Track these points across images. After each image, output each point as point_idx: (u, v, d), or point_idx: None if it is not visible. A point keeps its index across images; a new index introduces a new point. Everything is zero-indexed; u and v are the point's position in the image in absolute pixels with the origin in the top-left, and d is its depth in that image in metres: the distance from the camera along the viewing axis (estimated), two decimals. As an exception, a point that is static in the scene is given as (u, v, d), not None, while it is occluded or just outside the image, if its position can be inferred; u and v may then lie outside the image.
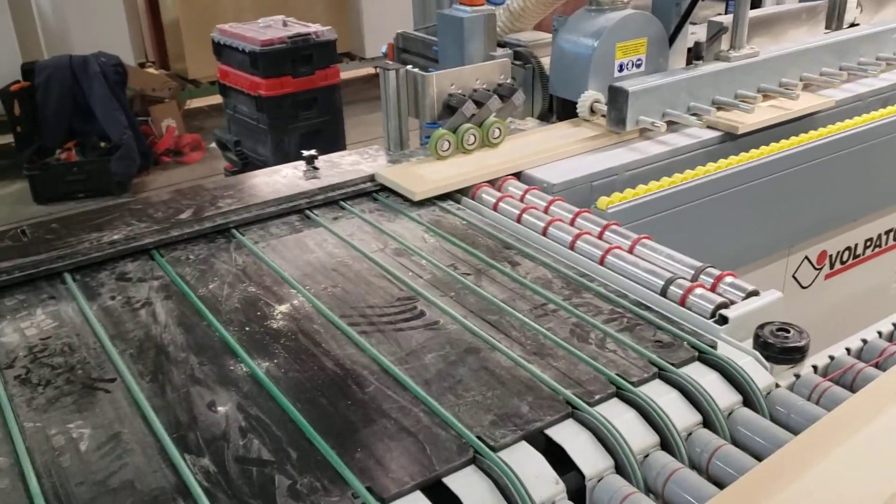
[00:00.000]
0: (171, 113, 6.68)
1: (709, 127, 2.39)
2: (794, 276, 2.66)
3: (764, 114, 2.45)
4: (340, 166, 2.21)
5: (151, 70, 7.33)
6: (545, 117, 2.61)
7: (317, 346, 1.45)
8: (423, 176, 2.09)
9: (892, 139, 2.64)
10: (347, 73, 7.22)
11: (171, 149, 6.48)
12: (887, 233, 2.92)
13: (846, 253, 2.80)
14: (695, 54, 2.50)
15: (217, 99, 7.04)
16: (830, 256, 2.75)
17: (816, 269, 2.72)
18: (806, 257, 2.67)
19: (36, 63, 6.00)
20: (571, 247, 1.76)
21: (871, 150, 2.60)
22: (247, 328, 1.51)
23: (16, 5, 6.25)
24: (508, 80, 2.34)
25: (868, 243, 2.86)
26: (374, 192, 2.11)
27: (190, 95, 7.20)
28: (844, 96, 2.68)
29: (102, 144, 5.92)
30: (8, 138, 6.11)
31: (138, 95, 6.62)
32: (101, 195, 5.72)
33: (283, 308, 1.58)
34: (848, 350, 1.45)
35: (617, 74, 2.42)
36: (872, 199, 2.77)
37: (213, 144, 6.18)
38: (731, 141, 2.37)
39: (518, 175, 2.14)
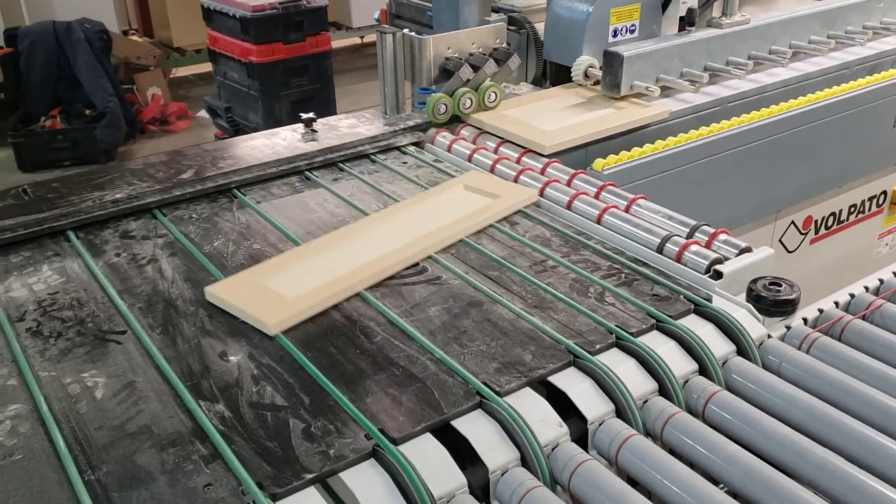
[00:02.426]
0: (157, 81, 6.63)
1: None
2: (780, 241, 2.72)
3: (594, 126, 2.18)
4: (338, 129, 2.23)
5: (135, 38, 7.25)
6: (539, 82, 2.64)
7: (323, 299, 1.48)
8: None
9: (876, 106, 2.70)
10: (335, 42, 7.17)
11: (157, 117, 6.44)
12: (870, 199, 2.98)
13: (831, 218, 2.87)
14: (687, 21, 2.53)
15: (203, 68, 7.01)
16: (816, 222, 2.81)
17: (802, 233, 2.78)
18: (792, 222, 2.73)
19: (19, 29, 5.92)
20: (569, 207, 1.80)
21: (857, 118, 2.65)
22: (254, 283, 1.54)
23: (-3, -30, 6.16)
24: (504, 45, 2.36)
25: (852, 209, 2.92)
26: (371, 154, 2.14)
27: (175, 64, 7.14)
28: (832, 64, 2.72)
29: (87, 112, 5.87)
30: (-9, 105, 6.05)
31: (122, 63, 6.56)
32: (86, 163, 5.68)
33: (289, 264, 1.61)
34: (836, 303, 1.50)
35: (611, 40, 2.45)
36: (857, 165, 2.83)
37: (201, 113, 6.16)
38: (723, 106, 2.42)
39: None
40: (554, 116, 2.29)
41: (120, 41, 6.57)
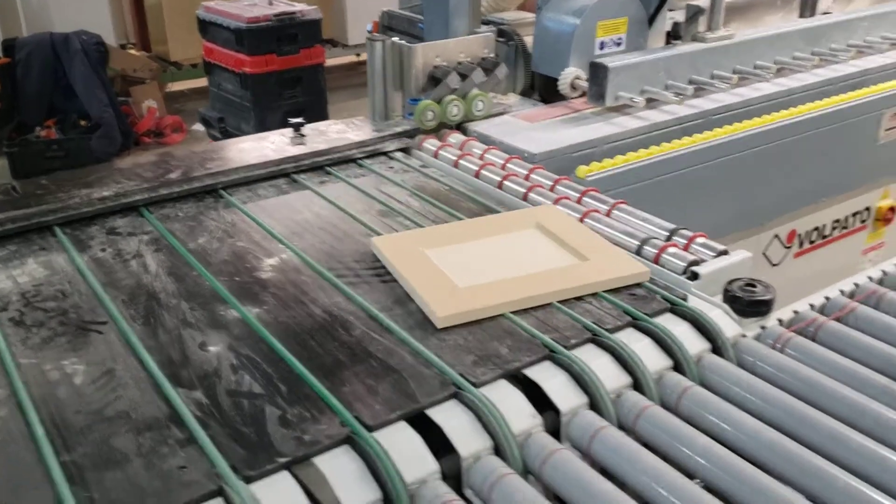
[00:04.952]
0: (152, 94, 6.66)
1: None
2: (764, 254, 2.75)
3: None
4: (327, 134, 2.25)
5: (132, 51, 7.30)
6: (527, 94, 2.68)
7: (305, 294, 1.50)
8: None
9: (860, 122, 2.74)
10: (330, 60, 7.23)
11: (151, 130, 6.47)
12: (854, 215, 3.01)
13: (815, 233, 2.90)
14: (673, 35, 2.57)
15: (198, 82, 7.05)
16: (800, 235, 2.84)
17: (786, 247, 2.81)
18: (776, 236, 2.76)
19: (16, 39, 5.97)
20: (551, 210, 1.82)
21: (840, 132, 2.69)
22: (236, 278, 1.56)
23: (-5, -19, 6.21)
24: (492, 55, 2.39)
25: (836, 224, 2.96)
26: (359, 158, 2.16)
27: (171, 78, 7.18)
28: (815, 80, 2.76)
29: (83, 122, 5.91)
30: (-13, 115, 6.07)
31: (119, 76, 6.60)
32: (80, 173, 5.69)
33: (272, 261, 1.63)
34: (812, 305, 1.52)
35: (598, 52, 2.49)
36: (841, 180, 2.86)
37: (196, 126, 6.19)
38: (707, 119, 2.45)
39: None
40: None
41: (117, 54, 6.62)
